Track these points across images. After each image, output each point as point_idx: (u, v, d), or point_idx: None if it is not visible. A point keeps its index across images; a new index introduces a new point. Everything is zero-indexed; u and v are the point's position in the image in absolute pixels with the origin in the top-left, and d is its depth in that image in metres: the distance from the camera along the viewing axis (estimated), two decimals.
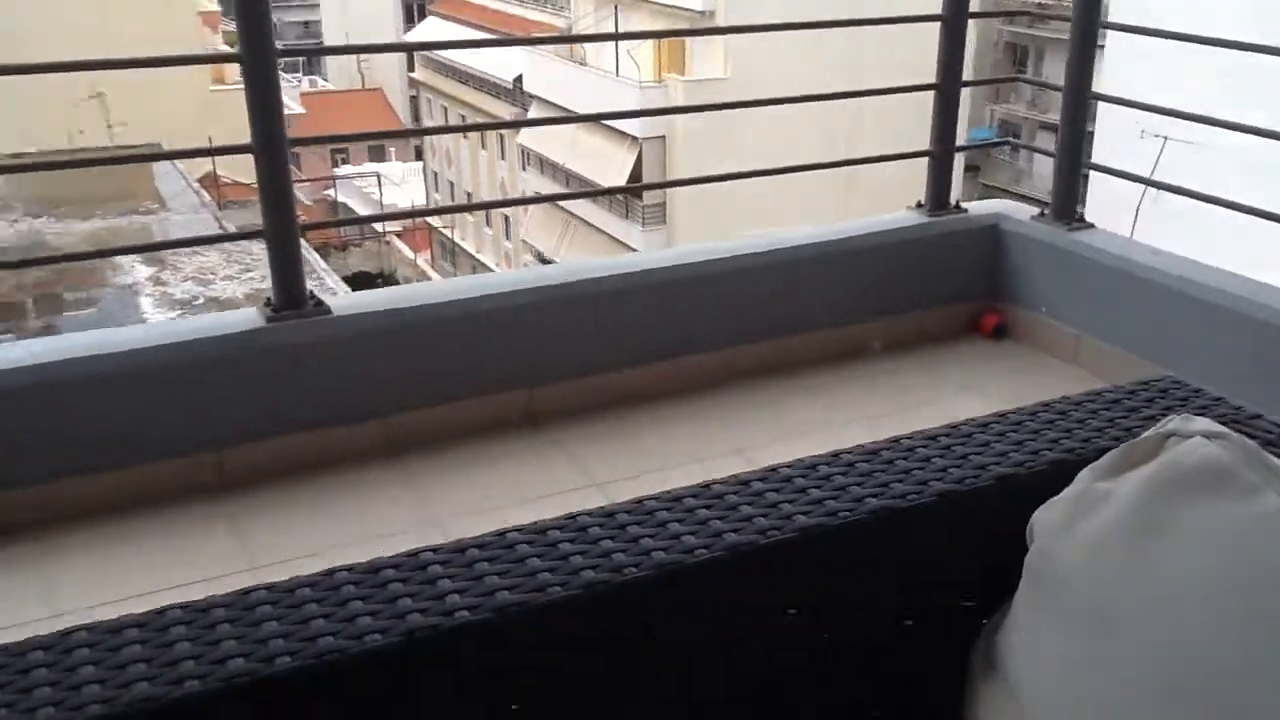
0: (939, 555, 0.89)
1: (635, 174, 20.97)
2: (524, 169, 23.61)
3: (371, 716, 0.73)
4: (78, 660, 0.68)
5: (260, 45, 2.27)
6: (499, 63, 24.77)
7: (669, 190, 20.70)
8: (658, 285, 2.86)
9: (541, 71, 22.67)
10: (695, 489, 0.86)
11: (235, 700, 0.66)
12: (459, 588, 0.76)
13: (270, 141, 2.32)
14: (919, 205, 3.28)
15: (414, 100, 31.11)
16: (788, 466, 0.88)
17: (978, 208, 3.33)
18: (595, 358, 2.75)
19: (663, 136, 20.19)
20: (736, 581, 0.84)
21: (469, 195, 25.82)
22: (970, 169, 18.21)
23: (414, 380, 2.57)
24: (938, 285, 3.22)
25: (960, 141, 3.32)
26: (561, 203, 21.95)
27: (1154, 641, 0.74)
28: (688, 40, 20.75)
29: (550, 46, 23.81)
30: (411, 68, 30.27)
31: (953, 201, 3.28)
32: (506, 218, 24.74)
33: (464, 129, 26.95)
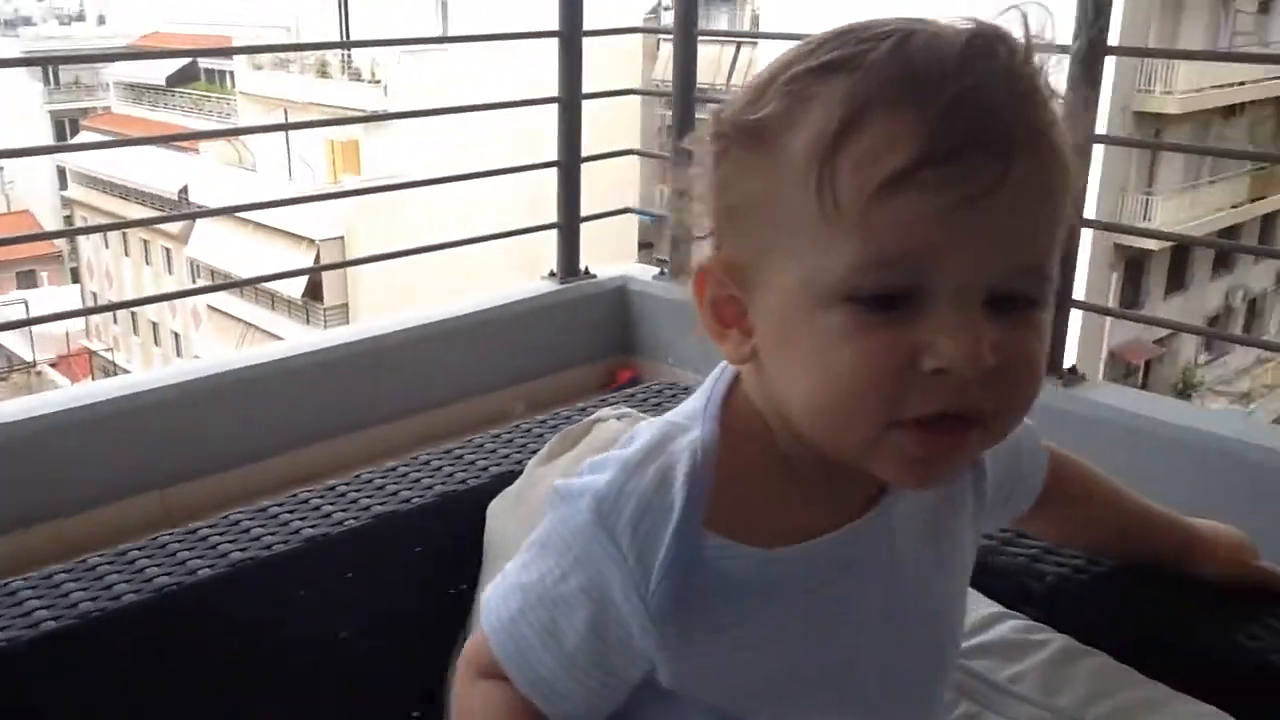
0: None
1: (314, 277, 20.57)
2: (194, 280, 22.62)
3: None
4: None
5: None
6: (162, 175, 23.73)
7: (351, 290, 20.42)
8: (294, 373, 2.86)
9: (209, 181, 21.91)
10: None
11: None
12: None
13: None
14: (552, 274, 3.46)
15: (68, 220, 29.19)
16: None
17: (606, 272, 3.54)
18: (230, 452, 2.71)
19: (341, 237, 19.97)
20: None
21: (133, 315, 24.40)
22: (645, 245, 19.20)
23: (40, 492, 2.44)
24: (574, 346, 3.39)
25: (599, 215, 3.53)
26: (236, 311, 21.16)
27: None
28: (360, 141, 20.75)
29: (218, 156, 23.08)
30: (64, 185, 28.43)
31: (583, 268, 3.47)
32: (176, 334, 23.54)
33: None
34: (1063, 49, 2.19)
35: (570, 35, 2.85)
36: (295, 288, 20.86)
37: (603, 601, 0.68)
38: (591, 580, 0.68)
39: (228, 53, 23.08)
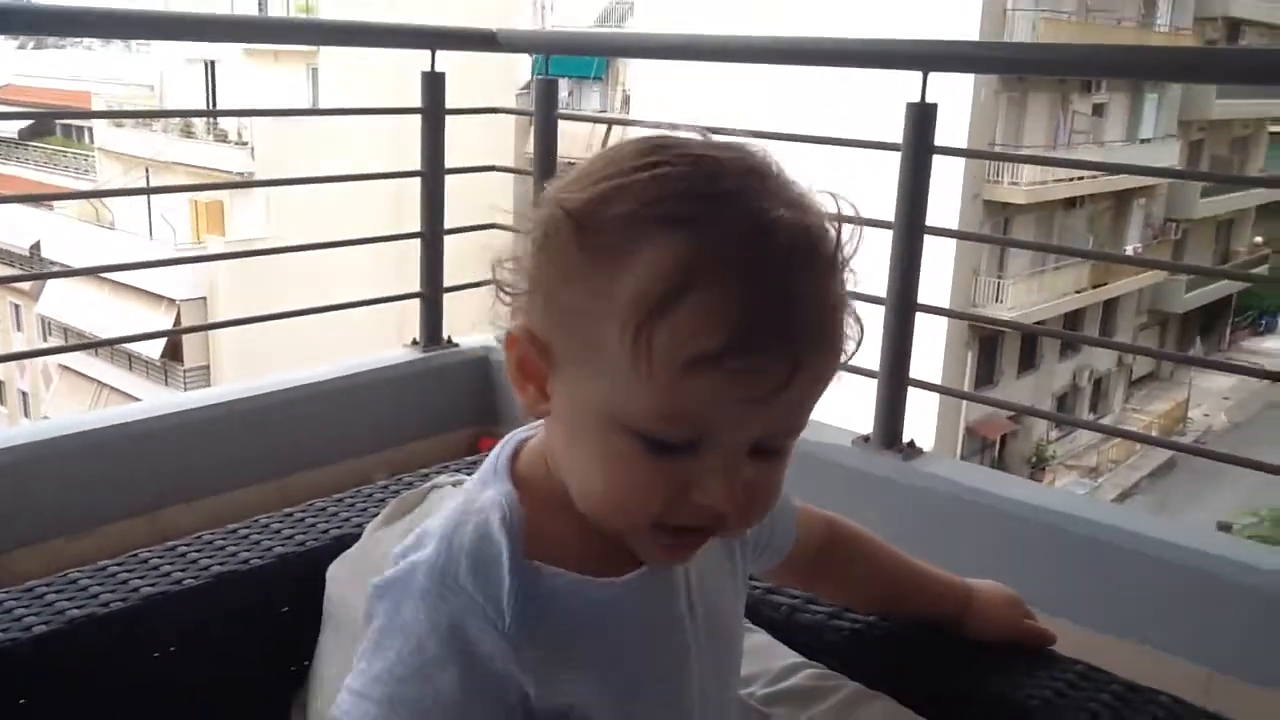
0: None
1: (174, 339, 20.01)
2: (45, 339, 21.72)
3: None
4: None
5: None
6: (12, 229, 22.79)
7: (213, 352, 19.90)
8: (146, 436, 2.81)
9: (63, 236, 21.15)
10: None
11: None
12: None
13: None
14: (414, 342, 3.50)
15: None
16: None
17: (469, 341, 3.60)
18: (75, 517, 2.64)
19: (204, 298, 19.49)
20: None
21: None
22: None
23: None
24: (437, 414, 3.42)
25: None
26: (91, 371, 20.37)
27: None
28: (226, 201, 20.38)
29: (74, 210, 22.33)
30: None
31: (446, 337, 3.53)
32: (24, 393, 22.52)
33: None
34: (894, 146, 2.38)
35: (433, 112, 2.94)
36: (154, 348, 20.23)
37: (466, 651, 0.71)
38: (451, 635, 0.71)
39: (91, 116, 22.44)
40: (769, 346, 0.66)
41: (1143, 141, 22.11)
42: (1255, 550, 1.99)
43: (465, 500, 0.76)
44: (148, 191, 20.31)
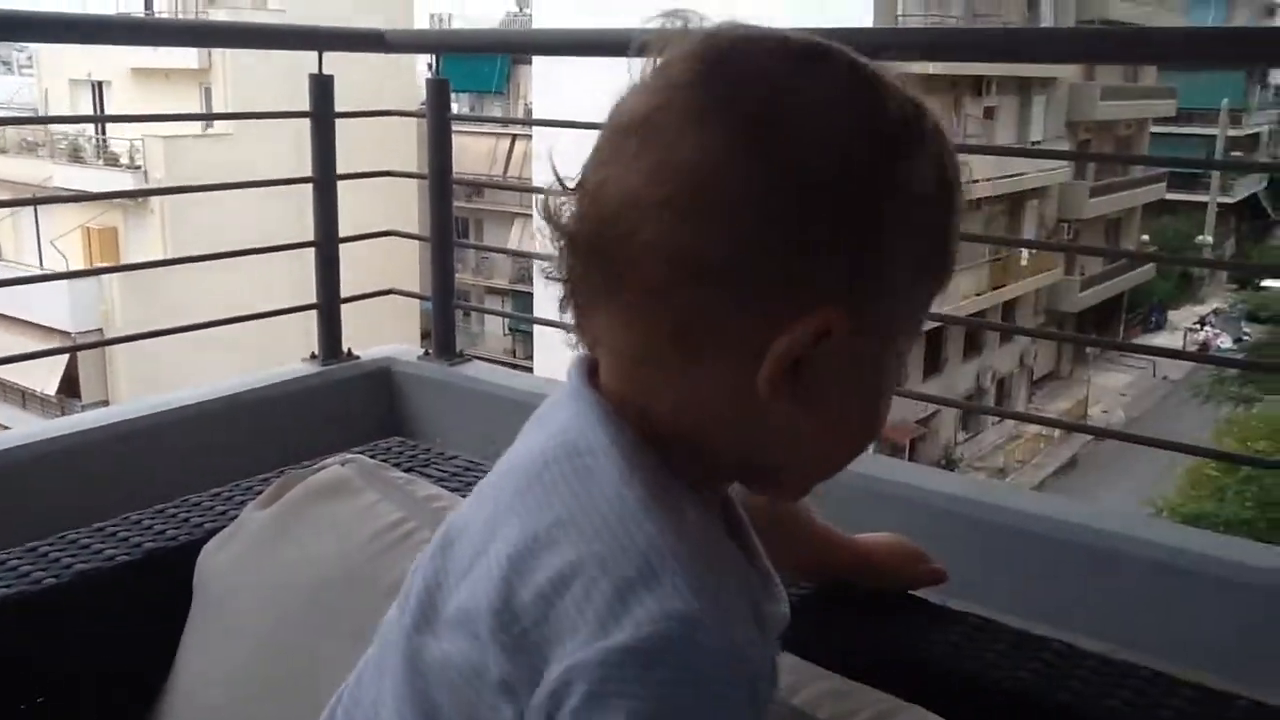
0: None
1: (71, 373, 19.38)
2: None
3: None
4: None
5: None
6: None
7: (112, 386, 19.34)
8: (27, 464, 2.69)
9: None
10: None
11: None
12: None
13: None
14: (314, 356, 3.40)
15: None
16: None
17: (370, 353, 3.51)
18: None
19: (100, 329, 18.92)
20: None
21: None
22: (426, 335, 18.99)
23: None
24: (338, 429, 3.31)
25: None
26: None
27: (260, 613, 0.88)
28: (121, 228, 19.84)
29: None
30: None
31: (345, 350, 3.44)
32: None
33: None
34: None
35: (322, 116, 2.86)
36: (49, 383, 19.55)
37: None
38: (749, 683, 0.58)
39: None
40: None
41: (1034, 143, 22.76)
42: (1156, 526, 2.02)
43: (645, 515, 0.61)
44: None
